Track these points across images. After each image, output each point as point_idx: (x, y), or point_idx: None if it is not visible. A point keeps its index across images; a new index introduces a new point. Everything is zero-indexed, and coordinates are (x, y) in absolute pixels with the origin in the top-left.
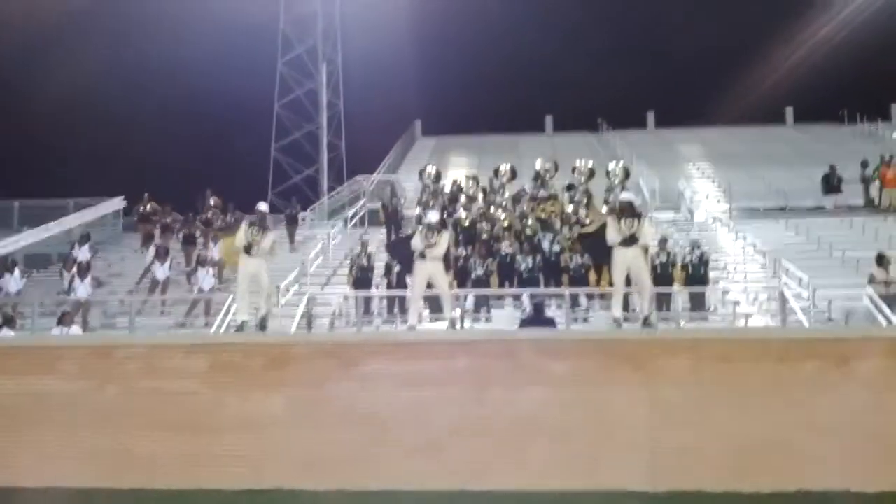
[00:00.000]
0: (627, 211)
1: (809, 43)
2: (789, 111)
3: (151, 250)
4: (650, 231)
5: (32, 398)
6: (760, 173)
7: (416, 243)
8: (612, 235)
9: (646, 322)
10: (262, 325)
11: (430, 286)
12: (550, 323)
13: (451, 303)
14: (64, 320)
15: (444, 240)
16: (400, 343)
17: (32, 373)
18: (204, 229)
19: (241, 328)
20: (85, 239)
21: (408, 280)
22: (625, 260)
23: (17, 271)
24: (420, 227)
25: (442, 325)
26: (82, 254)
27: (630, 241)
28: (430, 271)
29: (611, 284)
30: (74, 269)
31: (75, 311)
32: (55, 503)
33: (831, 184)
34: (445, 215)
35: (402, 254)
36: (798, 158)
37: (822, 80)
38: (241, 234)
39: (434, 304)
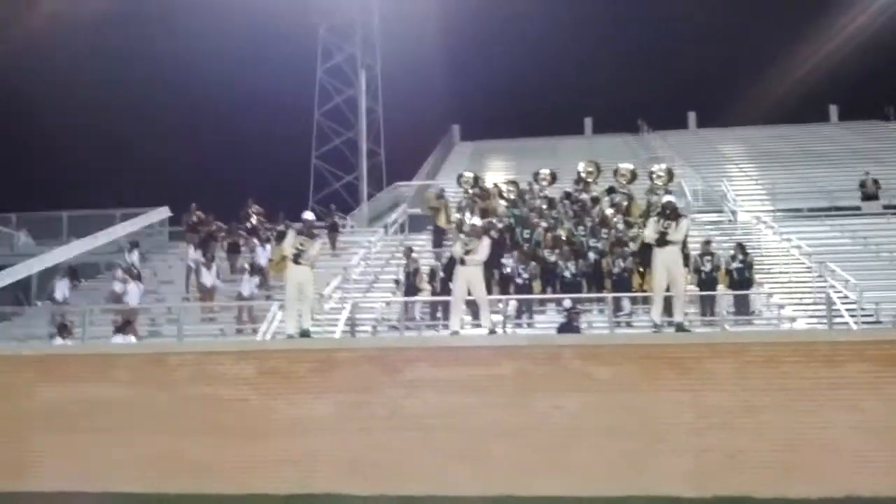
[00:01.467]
0: (670, 213)
1: (853, 39)
2: (833, 109)
3: (191, 252)
4: (684, 231)
5: (87, 405)
6: (804, 173)
7: (456, 249)
8: (649, 234)
9: (679, 328)
10: (305, 334)
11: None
12: (577, 332)
13: (488, 309)
14: (126, 329)
15: (484, 246)
16: (443, 348)
17: (87, 380)
18: (248, 238)
19: (293, 337)
20: (134, 246)
21: (451, 286)
22: (664, 260)
23: (65, 280)
24: (460, 234)
25: (483, 332)
26: (133, 258)
27: (662, 239)
28: (468, 277)
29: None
30: (123, 275)
31: (134, 319)
32: None
33: (867, 190)
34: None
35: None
36: (843, 157)
37: (866, 76)
38: (289, 243)
39: (475, 312)
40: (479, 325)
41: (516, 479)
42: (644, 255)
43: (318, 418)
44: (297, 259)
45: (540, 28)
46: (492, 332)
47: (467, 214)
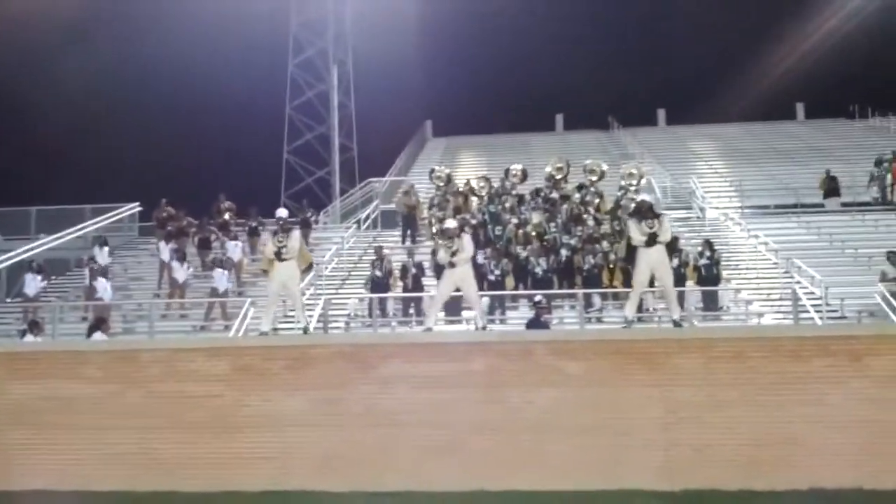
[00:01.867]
0: (647, 212)
1: (819, 38)
2: (800, 107)
3: (163, 247)
4: (669, 229)
5: (58, 402)
6: (772, 170)
7: (442, 256)
8: (636, 236)
9: (676, 324)
10: (306, 332)
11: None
12: (545, 327)
13: (481, 308)
14: (102, 326)
15: (467, 242)
16: (417, 345)
17: (58, 377)
18: (219, 234)
19: (265, 335)
20: (103, 241)
21: (423, 282)
22: (649, 260)
23: (37, 276)
24: (439, 240)
25: (457, 328)
26: (102, 256)
27: (652, 240)
28: (458, 277)
29: (624, 285)
30: (89, 271)
31: (107, 315)
32: None
33: (829, 187)
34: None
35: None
36: (809, 154)
37: (832, 75)
38: (269, 247)
39: (449, 308)
40: (452, 322)
41: (490, 473)
42: (630, 256)
43: (292, 415)
44: (280, 256)
45: (512, 25)
46: (483, 328)
47: (441, 215)
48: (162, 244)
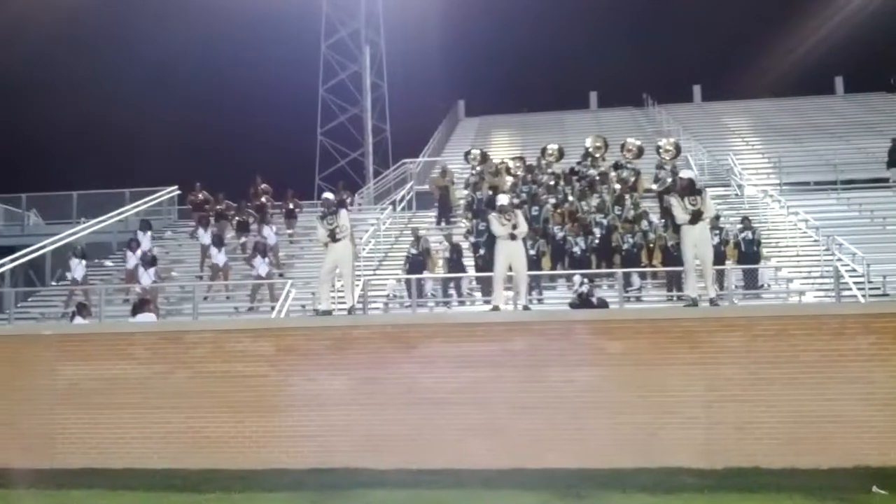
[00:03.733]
0: (689, 188)
1: (858, 10)
2: (839, 81)
3: (202, 233)
4: (712, 205)
5: (107, 382)
6: (810, 146)
7: (499, 229)
8: (680, 214)
9: (712, 302)
10: (351, 312)
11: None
12: (603, 305)
13: (527, 284)
14: (146, 307)
15: (523, 218)
16: (458, 325)
17: (107, 358)
18: (257, 216)
19: (326, 314)
20: (146, 225)
21: (464, 263)
22: (693, 237)
23: (82, 261)
24: (493, 214)
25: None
26: (145, 242)
27: (696, 217)
28: (514, 252)
29: (664, 265)
30: (139, 256)
31: (153, 297)
32: (131, 483)
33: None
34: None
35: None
36: (849, 129)
37: (871, 48)
38: (321, 231)
39: (487, 288)
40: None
41: (530, 452)
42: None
43: (335, 394)
44: (334, 236)
45: (544, 2)
46: (525, 308)
47: (498, 196)
48: (201, 230)
